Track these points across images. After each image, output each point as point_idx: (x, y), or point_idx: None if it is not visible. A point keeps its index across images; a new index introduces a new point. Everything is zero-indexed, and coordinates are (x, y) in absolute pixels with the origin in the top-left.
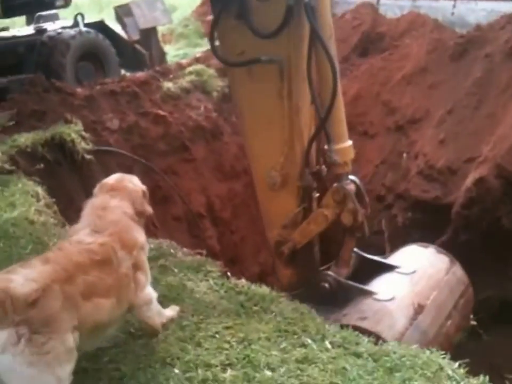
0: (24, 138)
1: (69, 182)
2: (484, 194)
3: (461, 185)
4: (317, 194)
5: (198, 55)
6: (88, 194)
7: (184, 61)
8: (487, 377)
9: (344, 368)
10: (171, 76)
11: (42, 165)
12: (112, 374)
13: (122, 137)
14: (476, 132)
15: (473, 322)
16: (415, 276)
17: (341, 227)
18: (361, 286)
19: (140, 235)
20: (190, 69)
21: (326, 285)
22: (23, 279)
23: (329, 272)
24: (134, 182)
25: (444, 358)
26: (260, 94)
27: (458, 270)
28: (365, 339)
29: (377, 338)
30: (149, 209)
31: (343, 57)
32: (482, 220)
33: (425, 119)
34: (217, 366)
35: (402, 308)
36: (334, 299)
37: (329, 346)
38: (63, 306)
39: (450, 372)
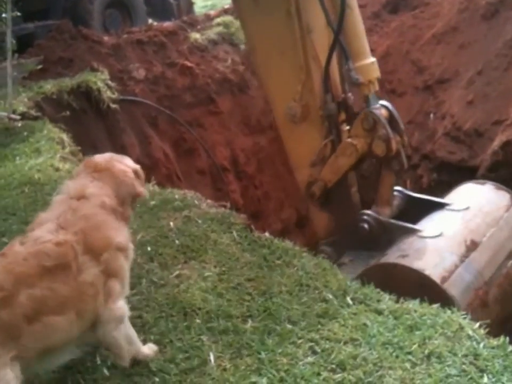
0: (50, 85)
1: (94, 130)
2: (511, 158)
3: (488, 147)
4: (347, 128)
5: (226, 6)
6: (113, 143)
7: (212, 12)
8: (507, 338)
9: (364, 324)
10: (199, 27)
11: (68, 113)
12: (134, 321)
13: (148, 88)
14: (505, 94)
15: None
16: (469, 213)
17: (374, 159)
18: (404, 223)
19: (117, 234)
20: (218, 20)
21: (365, 225)
22: None
23: (368, 212)
24: (124, 162)
25: (464, 318)
26: (268, 19)
27: None
28: (386, 296)
29: (420, 277)
30: (142, 191)
31: (374, 13)
32: (508, 184)
33: (454, 79)
34: (238, 317)
35: (452, 245)
36: (375, 242)
37: (350, 302)
38: None
39: (470, 332)
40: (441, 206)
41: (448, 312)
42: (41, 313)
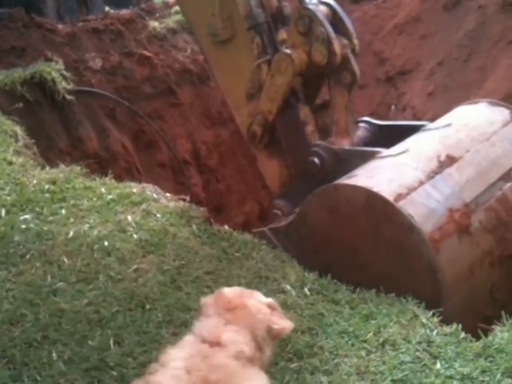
0: (3, 76)
1: (49, 122)
2: None
3: None
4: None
5: None
6: (69, 136)
7: (171, 0)
8: (460, 326)
9: (321, 314)
10: (157, 14)
11: (21, 104)
12: (91, 317)
13: (105, 78)
14: (465, 85)
15: None
16: (449, 129)
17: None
18: (361, 148)
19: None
20: (177, 8)
21: (316, 159)
22: None
23: (319, 142)
24: (255, 297)
25: (419, 306)
26: None
27: None
28: (343, 287)
29: (368, 196)
30: (283, 328)
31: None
32: None
33: (415, 70)
34: (197, 309)
35: (418, 160)
36: (331, 179)
37: (307, 292)
38: None
39: (424, 320)
40: (415, 128)
41: (403, 301)
42: None
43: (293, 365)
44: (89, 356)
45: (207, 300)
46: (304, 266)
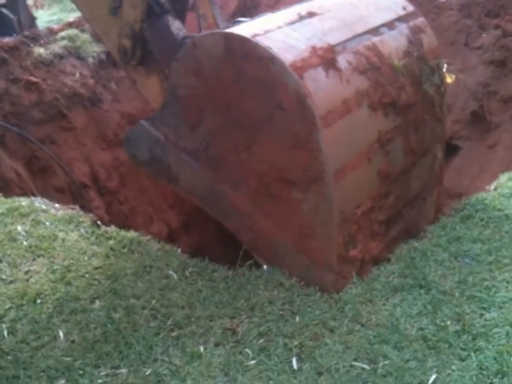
0: None
1: None
2: None
3: None
4: None
5: (71, 20)
6: None
7: (55, 26)
8: (317, 287)
9: (199, 290)
10: (42, 41)
11: None
12: None
13: None
14: None
15: None
16: (306, 3)
17: None
18: (229, 25)
19: None
20: (63, 34)
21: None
22: None
23: (189, 34)
24: None
25: (283, 275)
26: None
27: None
28: (220, 267)
29: (226, 38)
30: None
31: None
32: None
33: None
34: (86, 299)
35: (279, 16)
36: None
37: (188, 275)
38: None
39: (287, 285)
40: None
41: (271, 270)
42: None
43: (173, 334)
44: None
45: None
46: (186, 147)
